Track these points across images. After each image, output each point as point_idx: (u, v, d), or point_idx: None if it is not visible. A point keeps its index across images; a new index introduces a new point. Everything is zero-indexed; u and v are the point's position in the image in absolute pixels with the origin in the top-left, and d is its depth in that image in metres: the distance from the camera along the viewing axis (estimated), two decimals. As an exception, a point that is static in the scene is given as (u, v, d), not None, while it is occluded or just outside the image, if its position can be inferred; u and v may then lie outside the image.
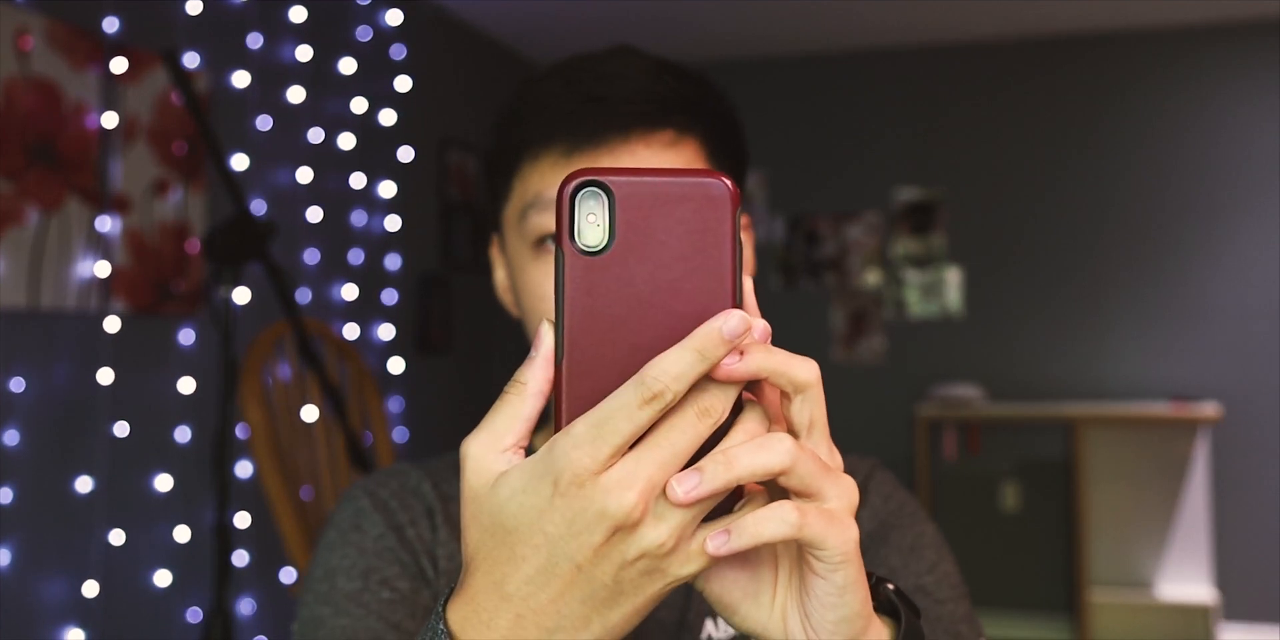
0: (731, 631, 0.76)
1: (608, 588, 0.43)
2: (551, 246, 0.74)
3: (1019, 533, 4.73)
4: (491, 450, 0.44)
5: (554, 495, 0.42)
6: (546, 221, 0.75)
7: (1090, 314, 4.69)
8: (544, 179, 0.75)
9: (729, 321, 0.42)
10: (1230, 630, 4.47)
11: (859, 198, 5.01)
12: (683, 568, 0.43)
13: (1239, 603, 4.48)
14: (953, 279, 4.85)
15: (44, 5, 2.54)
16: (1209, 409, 4.17)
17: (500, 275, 0.86)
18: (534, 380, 0.44)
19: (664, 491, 0.42)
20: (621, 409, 0.41)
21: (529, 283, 0.77)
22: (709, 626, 0.76)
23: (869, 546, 0.80)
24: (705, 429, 0.42)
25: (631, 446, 0.43)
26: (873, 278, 4.95)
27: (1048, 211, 4.77)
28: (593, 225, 0.43)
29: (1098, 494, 4.44)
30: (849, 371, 4.97)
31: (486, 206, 0.84)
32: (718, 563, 0.47)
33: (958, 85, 4.90)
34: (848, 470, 0.84)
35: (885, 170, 4.98)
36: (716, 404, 0.42)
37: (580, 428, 0.42)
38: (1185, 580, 4.37)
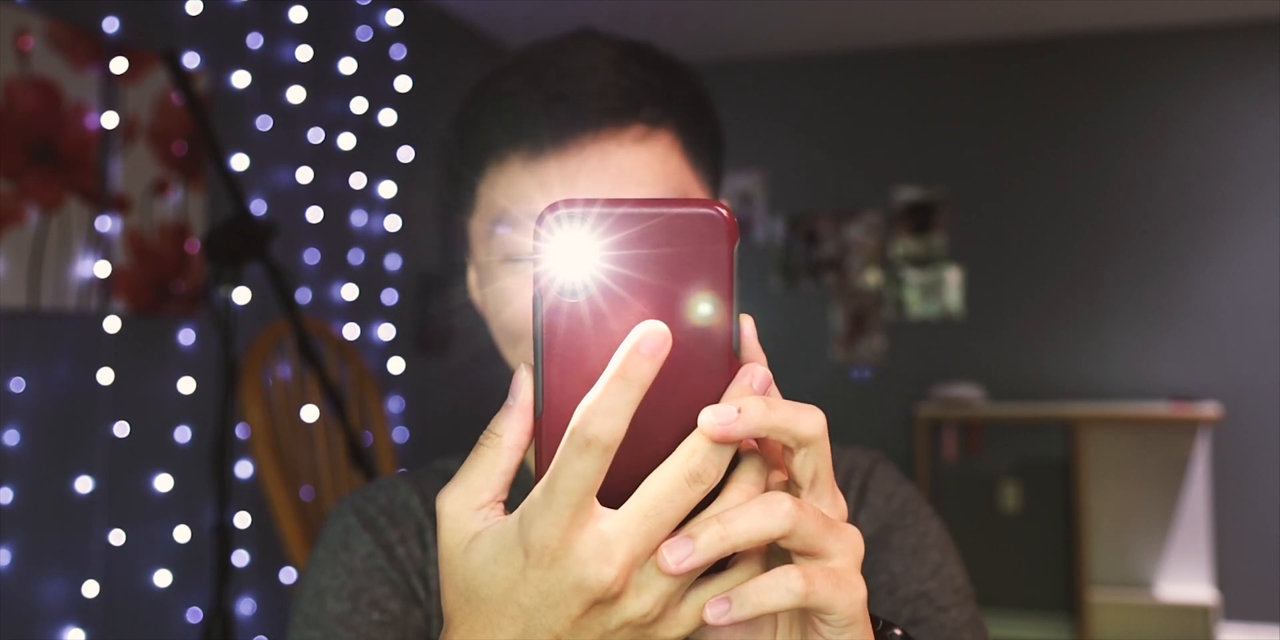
0: None
1: None
2: (523, 262, 0.71)
3: (1019, 533, 4.73)
4: (467, 507, 0.41)
5: (526, 567, 0.39)
6: (515, 240, 0.70)
7: (1091, 314, 4.69)
8: (511, 189, 0.71)
9: (645, 341, 0.37)
10: (1230, 630, 4.47)
11: (859, 198, 5.00)
12: (670, 631, 0.41)
13: (1239, 603, 4.48)
14: (953, 279, 4.85)
15: (44, 5, 2.54)
16: (1209, 409, 4.17)
17: (474, 276, 0.81)
18: (510, 432, 0.41)
19: (650, 558, 0.39)
20: (564, 466, 0.38)
21: (500, 294, 0.72)
22: None
23: (870, 551, 0.77)
24: (696, 496, 0.39)
25: (616, 504, 0.40)
26: (873, 278, 4.94)
27: (1048, 211, 4.77)
28: (573, 264, 0.39)
29: (1098, 494, 4.44)
30: (849, 372, 4.97)
31: (450, 209, 0.80)
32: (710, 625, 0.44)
33: (958, 85, 4.90)
34: (849, 465, 0.81)
35: (885, 170, 4.98)
36: (710, 469, 0.38)
37: (538, 493, 0.39)
38: (1185, 580, 4.37)
